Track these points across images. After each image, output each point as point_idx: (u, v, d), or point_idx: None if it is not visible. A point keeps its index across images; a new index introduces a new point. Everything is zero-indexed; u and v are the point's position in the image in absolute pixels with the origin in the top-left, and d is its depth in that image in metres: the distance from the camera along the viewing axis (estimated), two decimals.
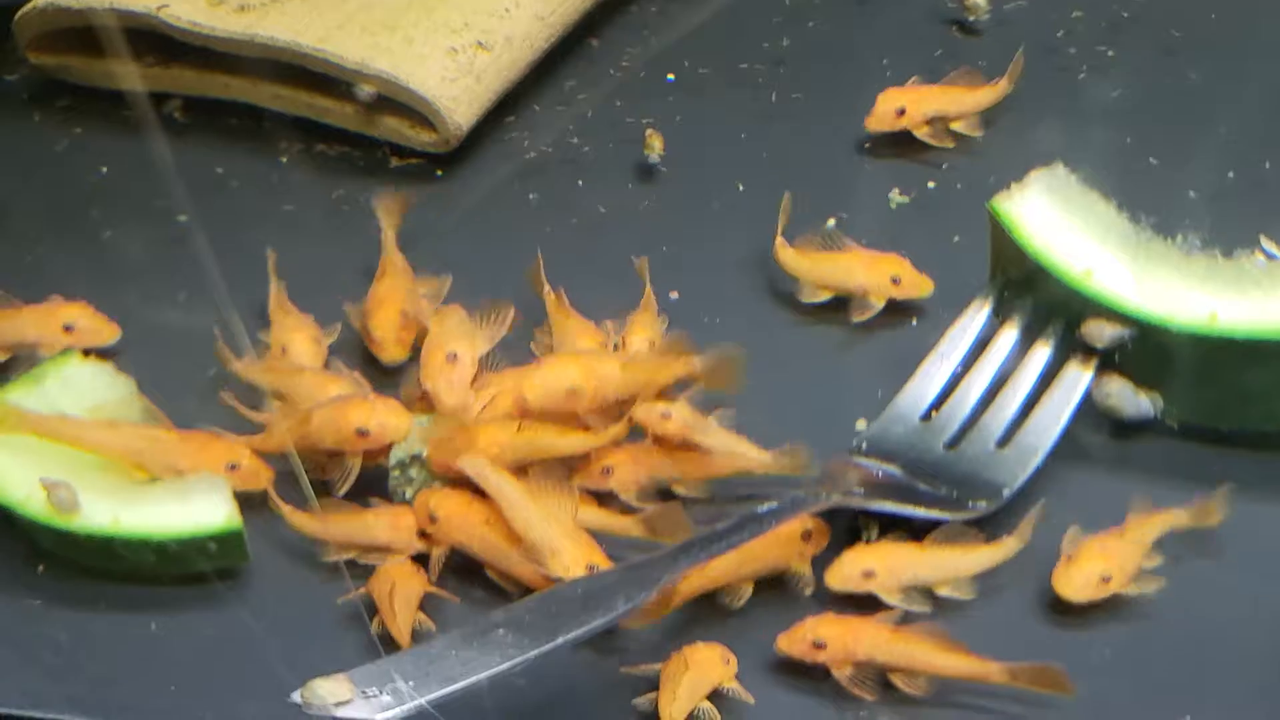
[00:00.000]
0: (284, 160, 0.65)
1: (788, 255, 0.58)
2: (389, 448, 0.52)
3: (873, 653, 0.47)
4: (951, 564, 0.49)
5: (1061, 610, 0.48)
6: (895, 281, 0.57)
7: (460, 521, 0.50)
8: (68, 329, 0.55)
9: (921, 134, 0.63)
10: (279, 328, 0.56)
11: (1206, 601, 0.49)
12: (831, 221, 0.60)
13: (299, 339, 0.55)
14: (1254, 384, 0.51)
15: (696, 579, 0.48)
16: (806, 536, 0.49)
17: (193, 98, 0.67)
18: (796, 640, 0.47)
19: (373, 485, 0.52)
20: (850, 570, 0.48)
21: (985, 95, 0.64)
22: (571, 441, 0.51)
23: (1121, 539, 0.49)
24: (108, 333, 0.56)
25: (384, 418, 0.51)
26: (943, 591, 0.48)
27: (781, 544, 0.49)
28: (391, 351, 0.56)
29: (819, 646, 0.47)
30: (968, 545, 0.49)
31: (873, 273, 0.57)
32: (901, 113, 0.63)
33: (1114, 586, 0.48)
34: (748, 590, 0.49)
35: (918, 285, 0.57)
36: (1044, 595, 0.49)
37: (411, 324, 0.56)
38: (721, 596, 0.49)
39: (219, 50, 0.65)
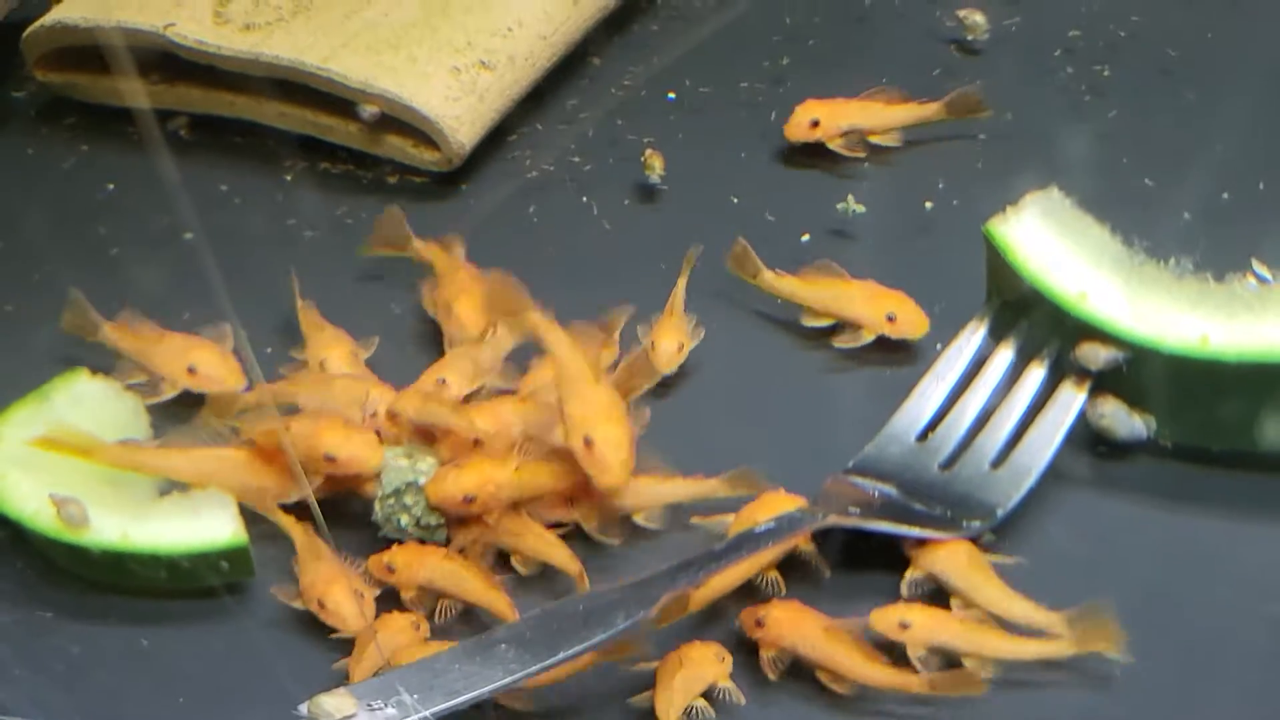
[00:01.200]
0: (288, 178, 0.67)
1: (785, 282, 0.59)
2: (363, 477, 0.52)
3: (798, 645, 0.49)
4: (992, 646, 0.49)
5: None
6: (890, 319, 0.58)
7: (419, 563, 0.51)
8: (191, 370, 0.55)
9: (834, 145, 0.65)
10: (315, 343, 0.58)
11: (1197, 619, 0.51)
12: (806, 236, 0.62)
13: (337, 353, 0.57)
14: (1244, 406, 0.52)
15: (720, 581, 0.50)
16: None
17: (198, 115, 0.68)
18: (747, 615, 0.49)
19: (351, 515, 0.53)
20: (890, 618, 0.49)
21: (904, 112, 0.65)
22: (567, 480, 0.52)
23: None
24: (232, 380, 0.55)
25: (356, 449, 0.52)
26: (969, 664, 0.49)
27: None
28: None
29: (758, 624, 0.49)
30: (1018, 636, 0.49)
31: (871, 306, 0.58)
32: (815, 124, 0.65)
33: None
34: (776, 577, 0.51)
35: (914, 325, 0.58)
36: None
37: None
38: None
39: (224, 69, 0.67)
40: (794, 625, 0.49)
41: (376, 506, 0.52)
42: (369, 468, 0.52)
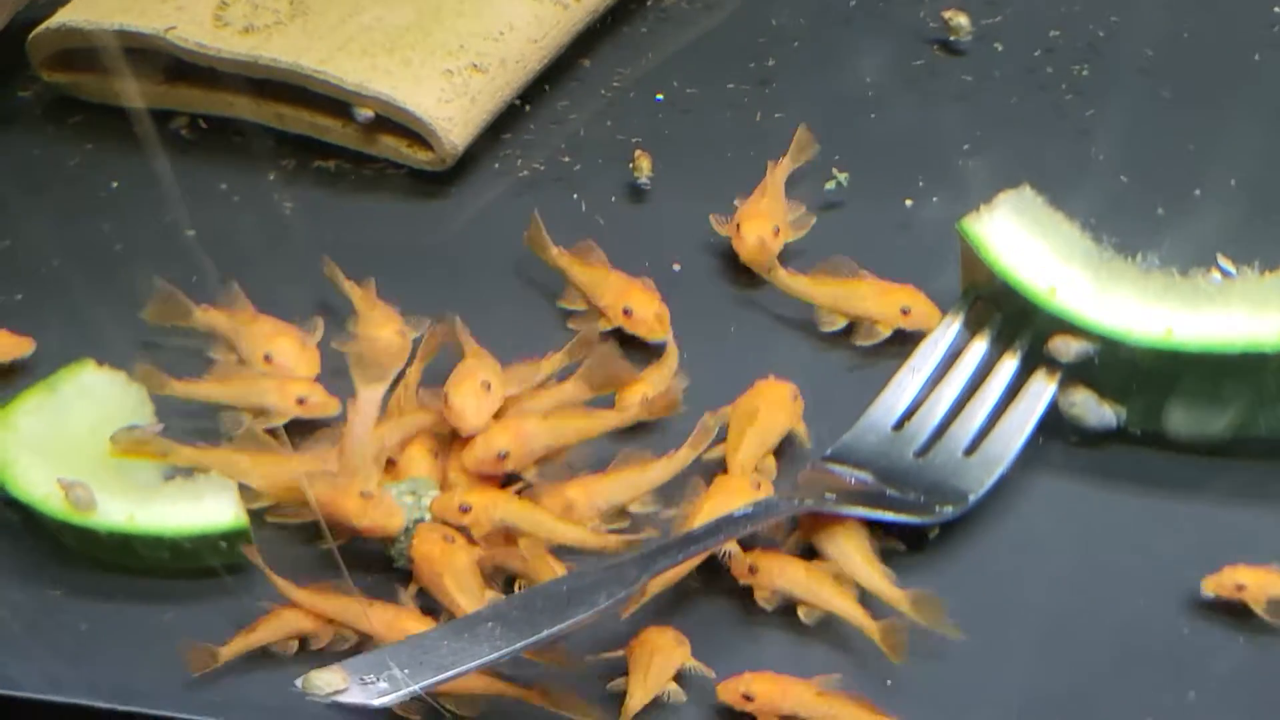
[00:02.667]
0: (286, 177, 0.70)
1: (797, 281, 0.62)
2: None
3: (797, 709, 0.51)
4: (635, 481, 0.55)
5: None
6: (905, 312, 0.61)
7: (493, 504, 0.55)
8: (266, 358, 0.59)
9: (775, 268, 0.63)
10: (367, 321, 0.61)
11: (1164, 594, 0.54)
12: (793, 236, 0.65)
13: (388, 332, 0.60)
14: (1208, 394, 0.55)
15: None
16: (795, 397, 0.57)
17: (199, 115, 0.72)
18: (729, 690, 0.52)
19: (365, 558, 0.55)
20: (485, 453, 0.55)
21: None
22: (569, 532, 0.55)
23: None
24: (333, 406, 0.58)
25: (379, 520, 0.54)
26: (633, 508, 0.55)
27: (781, 408, 0.57)
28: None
29: (748, 698, 0.51)
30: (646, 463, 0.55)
31: (883, 302, 0.61)
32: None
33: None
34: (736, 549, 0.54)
35: (927, 317, 0.60)
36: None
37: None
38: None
39: (224, 71, 0.70)
40: (784, 693, 0.51)
41: (390, 548, 0.55)
42: (392, 532, 0.54)
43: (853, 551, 0.54)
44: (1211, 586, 0.53)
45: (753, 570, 0.54)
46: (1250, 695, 0.51)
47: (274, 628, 0.53)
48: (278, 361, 0.59)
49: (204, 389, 0.58)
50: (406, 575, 0.54)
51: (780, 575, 0.53)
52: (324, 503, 0.54)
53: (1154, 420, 0.57)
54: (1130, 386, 0.56)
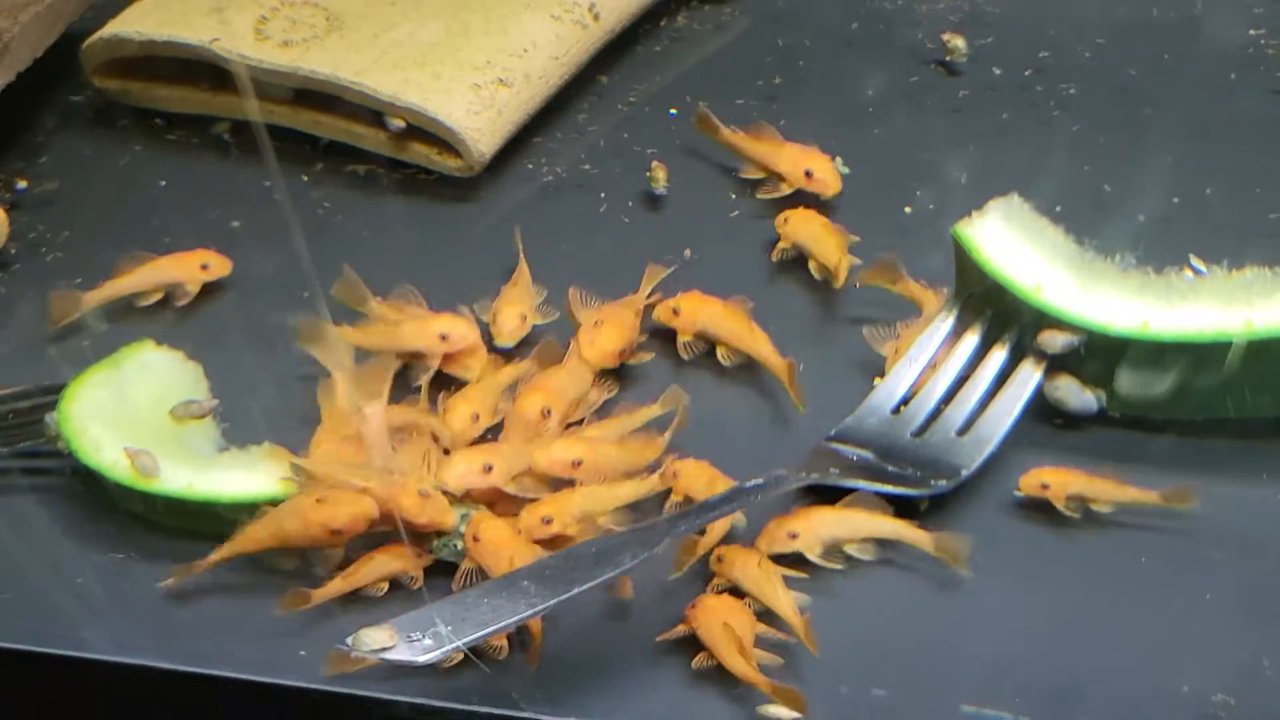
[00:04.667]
0: (319, 178, 0.75)
1: (736, 137, 0.73)
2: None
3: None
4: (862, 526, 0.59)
5: None
6: (808, 174, 0.71)
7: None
8: (443, 337, 0.64)
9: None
10: (503, 299, 0.67)
11: (1140, 563, 0.59)
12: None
13: (510, 312, 0.66)
14: (1181, 381, 0.61)
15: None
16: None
17: (240, 120, 0.77)
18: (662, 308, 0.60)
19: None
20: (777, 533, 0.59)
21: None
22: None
23: None
24: (473, 337, 0.64)
25: (435, 516, 0.58)
26: (851, 550, 0.59)
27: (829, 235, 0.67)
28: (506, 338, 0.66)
29: (792, 537, 0.58)
30: (877, 511, 0.59)
31: (794, 163, 0.71)
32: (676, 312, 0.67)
33: None
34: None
35: (827, 183, 0.71)
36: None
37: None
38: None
39: (264, 80, 0.75)
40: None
41: (434, 541, 0.59)
42: (448, 527, 0.59)
43: (763, 582, 0.57)
44: (1023, 487, 0.60)
45: (793, 537, 0.59)
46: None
47: (369, 570, 0.57)
48: (453, 337, 0.64)
49: (388, 315, 0.65)
50: (450, 566, 0.59)
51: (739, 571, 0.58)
52: (383, 500, 0.58)
53: (1131, 404, 0.62)
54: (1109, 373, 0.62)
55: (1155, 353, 0.61)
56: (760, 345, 0.64)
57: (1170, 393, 0.61)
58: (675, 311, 0.65)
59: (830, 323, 0.68)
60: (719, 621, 0.56)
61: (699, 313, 0.65)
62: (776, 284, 0.69)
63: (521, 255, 0.68)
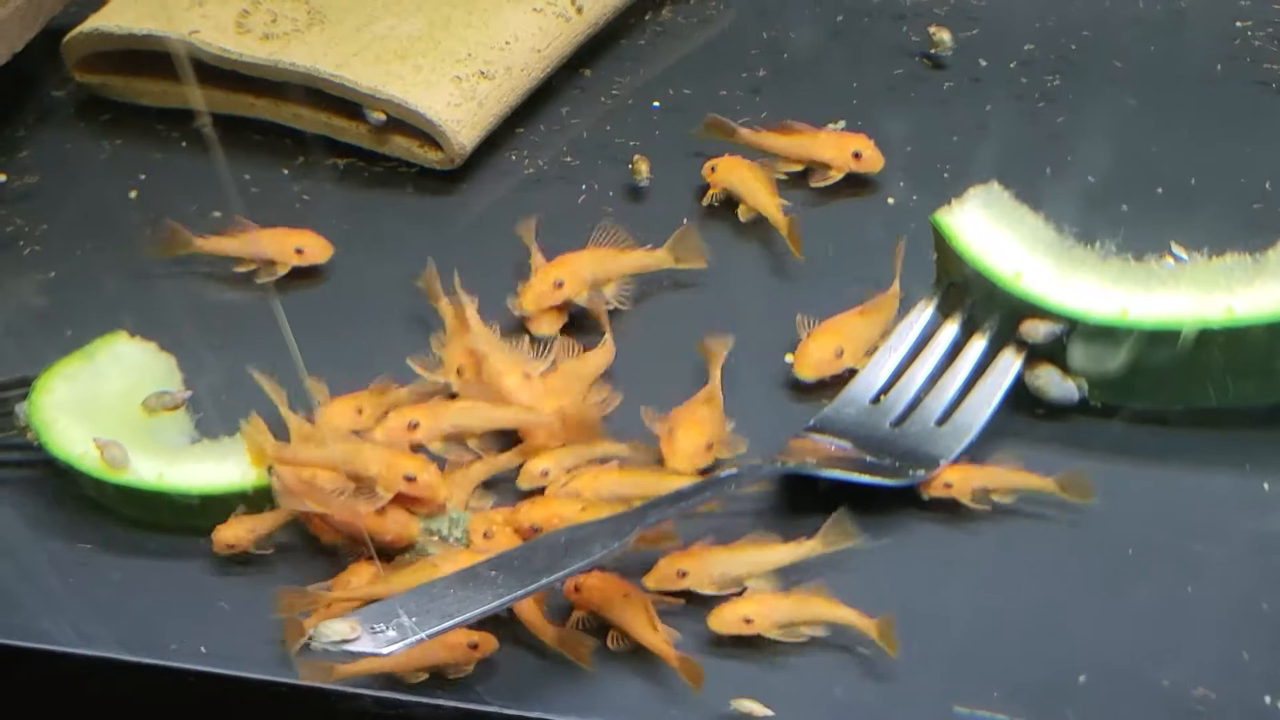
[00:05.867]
0: (300, 171, 0.75)
1: (760, 137, 0.73)
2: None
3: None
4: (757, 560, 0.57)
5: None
6: (856, 155, 0.71)
7: None
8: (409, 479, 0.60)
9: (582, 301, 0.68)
10: (532, 292, 0.66)
11: (1122, 551, 0.58)
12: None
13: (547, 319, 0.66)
14: (1160, 368, 0.60)
15: None
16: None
17: (220, 114, 0.77)
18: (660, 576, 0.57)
19: None
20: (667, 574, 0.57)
21: (639, 260, 0.68)
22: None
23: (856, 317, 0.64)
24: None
25: (396, 528, 0.58)
26: (750, 584, 0.57)
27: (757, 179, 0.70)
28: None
29: (681, 575, 0.57)
30: (771, 544, 0.58)
31: (838, 148, 0.72)
32: (560, 285, 0.67)
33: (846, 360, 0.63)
34: None
35: (873, 160, 0.72)
36: None
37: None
38: None
39: (245, 74, 0.75)
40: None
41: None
42: (411, 540, 0.59)
43: (632, 617, 0.56)
44: (926, 490, 0.59)
45: (682, 575, 0.57)
46: None
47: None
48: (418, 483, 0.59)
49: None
50: None
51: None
52: (347, 519, 0.58)
53: (1112, 392, 0.61)
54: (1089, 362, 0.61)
55: (1105, 327, 0.60)
56: (769, 205, 0.70)
57: (1123, 369, 0.60)
58: (712, 169, 0.72)
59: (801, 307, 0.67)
60: (619, 595, 0.55)
61: (730, 172, 0.71)
62: (756, 277, 0.69)
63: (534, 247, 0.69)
